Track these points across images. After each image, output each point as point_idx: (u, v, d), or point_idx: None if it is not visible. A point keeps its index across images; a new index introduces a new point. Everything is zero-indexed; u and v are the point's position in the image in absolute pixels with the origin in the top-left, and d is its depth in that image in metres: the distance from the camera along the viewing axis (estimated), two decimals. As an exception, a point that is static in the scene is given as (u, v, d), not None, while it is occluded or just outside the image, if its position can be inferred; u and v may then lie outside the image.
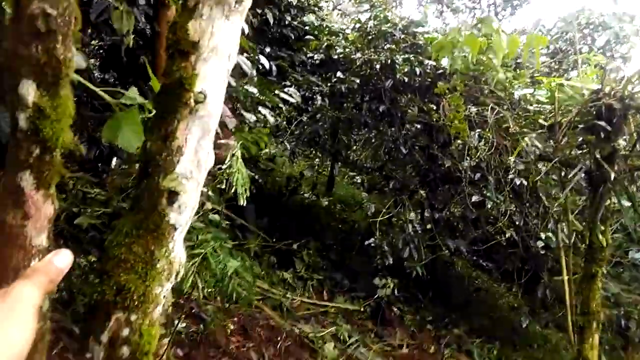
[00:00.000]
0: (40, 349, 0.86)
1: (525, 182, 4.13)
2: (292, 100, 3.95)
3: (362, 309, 4.88)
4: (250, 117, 3.32)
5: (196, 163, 0.88)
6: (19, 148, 0.76)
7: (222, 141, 2.00)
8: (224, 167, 1.85)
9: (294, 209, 6.85)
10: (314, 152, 6.76)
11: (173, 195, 0.87)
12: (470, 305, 5.77)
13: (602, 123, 2.56)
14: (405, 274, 4.94)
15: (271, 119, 3.30)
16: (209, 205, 4.67)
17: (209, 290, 4.15)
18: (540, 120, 3.39)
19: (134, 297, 0.84)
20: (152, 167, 0.87)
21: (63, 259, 0.77)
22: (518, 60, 5.38)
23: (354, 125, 5.83)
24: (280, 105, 4.11)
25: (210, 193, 3.30)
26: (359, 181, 8.09)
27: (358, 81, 4.76)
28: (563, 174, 2.85)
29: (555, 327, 5.38)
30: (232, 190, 1.85)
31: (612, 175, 2.48)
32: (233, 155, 1.82)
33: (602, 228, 2.62)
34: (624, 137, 2.62)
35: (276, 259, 5.32)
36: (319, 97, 5.06)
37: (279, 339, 3.96)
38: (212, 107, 0.88)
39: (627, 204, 2.86)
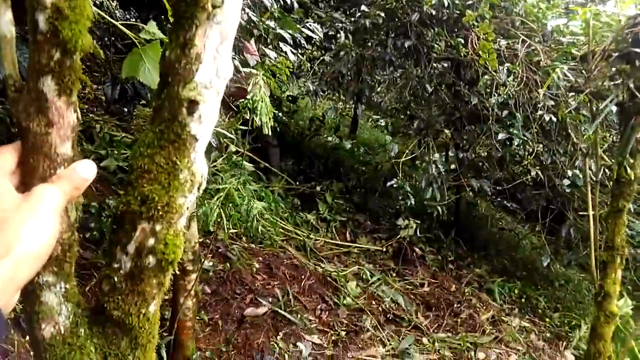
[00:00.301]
0: (70, 257, 0.88)
1: (554, 119, 4.00)
2: (314, 36, 3.84)
3: (384, 249, 4.95)
4: (271, 54, 3.25)
5: (215, 71, 0.86)
6: (40, 52, 0.75)
7: (245, 70, 1.97)
8: (248, 97, 1.83)
9: (317, 151, 6.86)
10: (337, 93, 6.66)
11: (193, 105, 0.85)
12: (492, 245, 5.80)
13: (638, 50, 2.43)
14: (427, 215, 4.95)
15: (292, 56, 3.22)
16: (232, 148, 4.71)
17: (235, 231, 4.27)
18: (574, 51, 3.23)
19: (158, 207, 0.85)
20: (172, 76, 0.85)
21: (87, 168, 0.78)
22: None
23: (378, 64, 5.68)
24: (303, 42, 4.01)
25: (233, 136, 3.31)
26: (383, 124, 7.99)
27: (383, 15, 4.59)
28: (595, 108, 2.74)
29: (578, 266, 5.39)
30: (257, 120, 1.84)
31: (647, 105, 2.38)
32: (256, 83, 1.79)
33: (632, 161, 2.55)
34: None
35: (300, 201, 5.38)
36: (342, 34, 4.91)
37: (302, 277, 4.07)
38: (229, 13, 0.85)
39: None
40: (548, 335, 4.39)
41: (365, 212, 5.63)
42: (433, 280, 4.67)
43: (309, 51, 6.87)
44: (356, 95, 5.52)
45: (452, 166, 4.66)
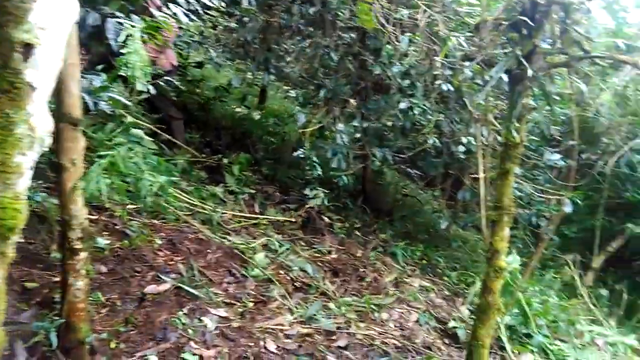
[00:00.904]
0: None
1: (451, 88, 4.17)
2: (209, 3, 3.66)
3: (293, 220, 4.95)
4: (158, 13, 3.04)
5: (54, 10, 0.73)
6: None
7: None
8: (123, 50, 1.66)
9: (224, 123, 6.66)
10: (243, 62, 6.46)
11: (28, 49, 0.73)
12: (397, 211, 6.03)
13: (525, 19, 2.55)
14: (336, 184, 5.01)
15: (184, 18, 3.03)
16: (129, 119, 4.39)
17: (134, 206, 4.03)
18: (470, 21, 3.36)
19: (-9, 168, 0.73)
20: (2, 15, 0.72)
21: None
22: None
23: (285, 32, 5.57)
24: (197, 8, 3.82)
25: (127, 101, 3.07)
26: (293, 95, 7.91)
27: (286, -21, 4.49)
28: (486, 77, 2.87)
29: (474, 228, 5.77)
30: (128, 74, 1.68)
31: (530, 73, 2.53)
32: (130, 35, 1.63)
33: (518, 125, 2.71)
34: (545, 34, 2.64)
35: (206, 174, 5.21)
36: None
37: (208, 251, 3.95)
38: (65, -63, 0.73)
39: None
40: (446, 293, 4.68)
41: (275, 183, 5.58)
42: (340, 247, 4.76)
43: (214, 18, 6.58)
44: (263, 64, 5.37)
45: (358, 135, 4.72)
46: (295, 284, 3.96)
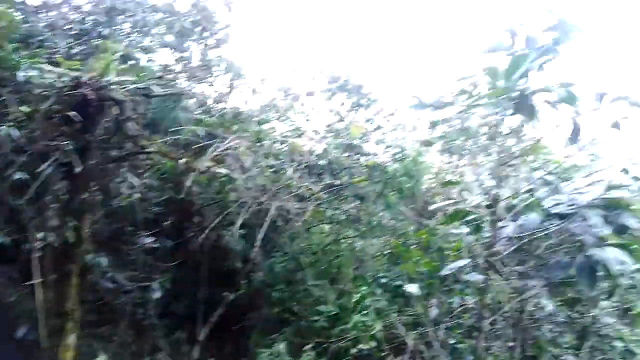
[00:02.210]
0: None
1: (27, 177, 3.69)
2: None
3: None
4: None
5: None
6: None
7: None
8: None
9: None
10: None
11: None
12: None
13: (76, 114, 2.46)
14: None
15: None
16: None
17: None
18: (22, 108, 3.04)
19: None
20: None
21: None
22: (31, 40, 4.86)
23: None
24: None
25: None
26: None
27: None
28: (41, 168, 2.60)
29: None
30: None
31: (79, 169, 2.42)
32: None
33: (76, 223, 2.54)
34: (101, 128, 2.61)
35: None
36: None
37: None
38: None
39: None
40: None
41: None
42: None
43: None
44: None
45: None
46: None
